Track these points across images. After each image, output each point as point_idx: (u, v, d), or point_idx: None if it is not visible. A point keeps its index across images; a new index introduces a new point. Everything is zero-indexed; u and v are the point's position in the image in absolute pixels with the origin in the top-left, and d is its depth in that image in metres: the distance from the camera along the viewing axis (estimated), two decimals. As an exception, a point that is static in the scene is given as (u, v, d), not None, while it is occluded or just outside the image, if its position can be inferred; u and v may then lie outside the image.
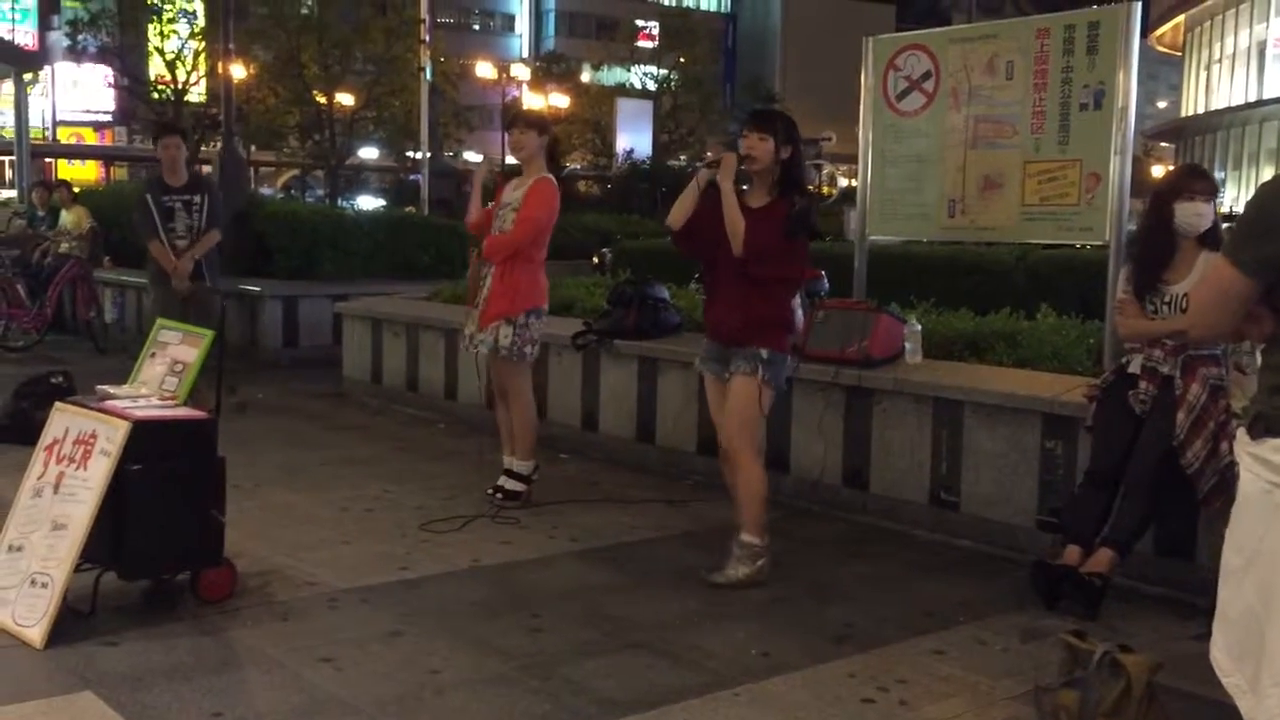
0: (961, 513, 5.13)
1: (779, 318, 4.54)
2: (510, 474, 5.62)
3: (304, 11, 34.94)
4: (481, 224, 5.63)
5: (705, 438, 6.18)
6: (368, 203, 32.57)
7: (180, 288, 7.23)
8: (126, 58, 36.28)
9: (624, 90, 45.51)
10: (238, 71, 18.07)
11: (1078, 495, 4.47)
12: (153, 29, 35.09)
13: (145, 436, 3.87)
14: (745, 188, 4.59)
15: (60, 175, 37.79)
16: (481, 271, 5.59)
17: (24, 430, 6.02)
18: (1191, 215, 4.28)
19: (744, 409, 4.49)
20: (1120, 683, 2.97)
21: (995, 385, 5.07)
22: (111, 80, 38.84)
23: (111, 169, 45.58)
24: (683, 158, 45.38)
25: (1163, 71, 59.99)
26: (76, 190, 13.27)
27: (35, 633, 3.68)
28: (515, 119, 5.69)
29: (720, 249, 4.46)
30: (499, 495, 5.57)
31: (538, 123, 5.66)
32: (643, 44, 49.50)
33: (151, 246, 7.29)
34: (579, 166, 39.79)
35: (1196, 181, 4.36)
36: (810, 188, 4.59)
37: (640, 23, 51.54)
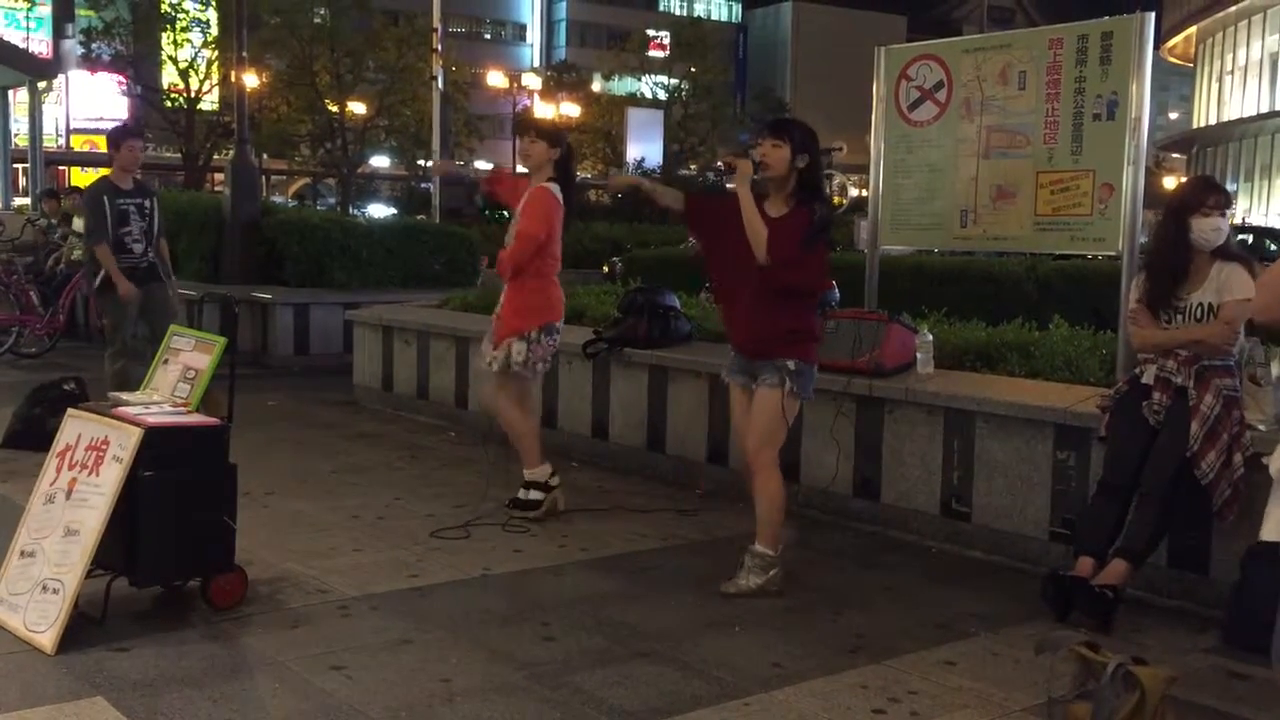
0: (973, 523, 5.11)
1: (803, 328, 4.47)
2: (526, 483, 5.54)
3: (316, 21, 35.14)
4: (504, 185, 5.69)
5: (715, 446, 6.17)
6: (379, 211, 32.66)
7: (130, 298, 7.18)
8: (140, 66, 36.56)
9: (635, 100, 45.68)
10: (250, 80, 18.15)
11: (1090, 506, 4.45)
12: (166, 38, 35.37)
13: (158, 443, 3.88)
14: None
15: (74, 182, 38.00)
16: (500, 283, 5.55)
17: (37, 436, 6.05)
18: (1210, 230, 4.27)
19: (768, 422, 4.44)
20: (1134, 695, 2.95)
21: (1007, 395, 5.05)
22: (125, 88, 39.04)
23: (124, 177, 45.77)
24: (693, 167, 45.46)
25: (1174, 83, 59.94)
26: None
27: (47, 638, 3.69)
28: (526, 126, 5.61)
29: (738, 258, 4.41)
30: (511, 506, 5.52)
31: (549, 133, 5.54)
32: (654, 54, 49.62)
33: (100, 250, 7.14)
34: (590, 175, 39.86)
35: (1211, 195, 4.34)
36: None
37: (651, 32, 51.65)
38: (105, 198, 7.22)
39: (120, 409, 4.09)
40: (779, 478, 4.54)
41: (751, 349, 4.50)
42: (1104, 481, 4.40)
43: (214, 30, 35.68)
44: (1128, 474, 4.30)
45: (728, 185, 4.51)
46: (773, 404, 4.42)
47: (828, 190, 4.67)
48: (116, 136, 7.51)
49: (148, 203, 7.38)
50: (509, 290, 5.43)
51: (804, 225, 4.34)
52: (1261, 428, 4.18)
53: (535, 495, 5.49)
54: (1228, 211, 4.37)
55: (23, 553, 3.96)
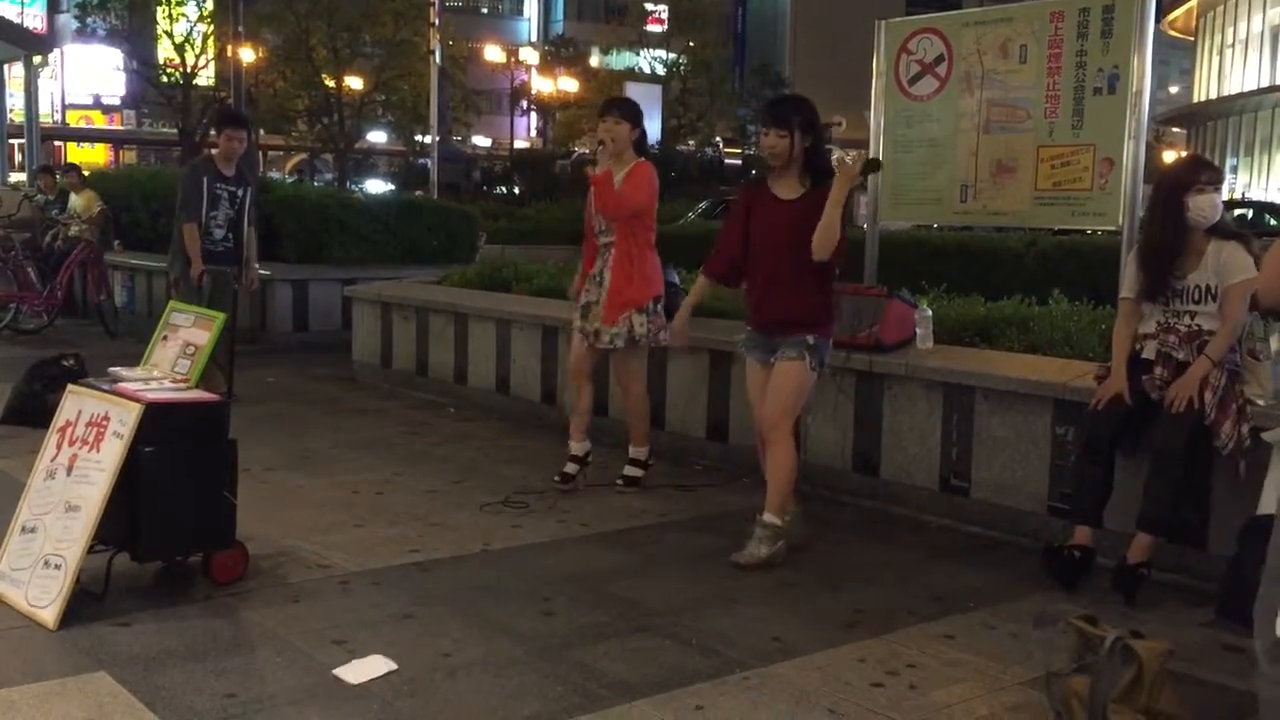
0: (972, 498, 5.12)
1: (827, 304, 4.66)
2: (631, 461, 5.69)
3: (313, -5, 34.80)
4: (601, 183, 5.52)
5: (715, 423, 6.19)
6: (376, 187, 32.54)
7: (195, 274, 7.19)
8: (135, 41, 36.27)
9: (633, 74, 45.40)
10: (246, 55, 18.05)
11: (1078, 476, 4.46)
12: (161, 12, 35.09)
13: (158, 419, 3.88)
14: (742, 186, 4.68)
15: (70, 159, 37.87)
16: (595, 267, 5.52)
17: (36, 413, 6.06)
18: (1207, 207, 4.25)
19: (787, 394, 4.59)
20: (1131, 668, 2.97)
21: (1006, 371, 5.06)
22: (120, 64, 38.81)
23: (121, 152, 45.64)
24: (691, 142, 45.28)
25: (1175, 56, 59.60)
26: (86, 174, 13.28)
27: (49, 614, 3.70)
28: (610, 106, 5.54)
29: (753, 243, 4.63)
30: (619, 482, 5.63)
31: (633, 114, 5.51)
32: (652, 28, 49.32)
33: (188, 229, 7.19)
34: (587, 151, 39.69)
35: (1204, 171, 4.32)
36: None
37: (649, 6, 51.32)
38: (205, 179, 7.26)
39: (120, 385, 4.09)
40: (793, 449, 4.68)
41: (778, 327, 4.63)
42: (1086, 441, 4.41)
43: (209, 4, 35.40)
44: (1108, 432, 4.31)
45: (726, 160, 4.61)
46: (793, 376, 4.57)
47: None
48: (217, 123, 7.69)
49: (240, 192, 7.39)
50: (621, 265, 5.43)
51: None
52: (1260, 403, 4.18)
53: (638, 472, 5.68)
54: (1221, 187, 4.36)
55: (24, 528, 3.97)
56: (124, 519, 3.88)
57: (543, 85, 44.82)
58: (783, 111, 4.64)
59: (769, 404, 4.62)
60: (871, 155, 6.06)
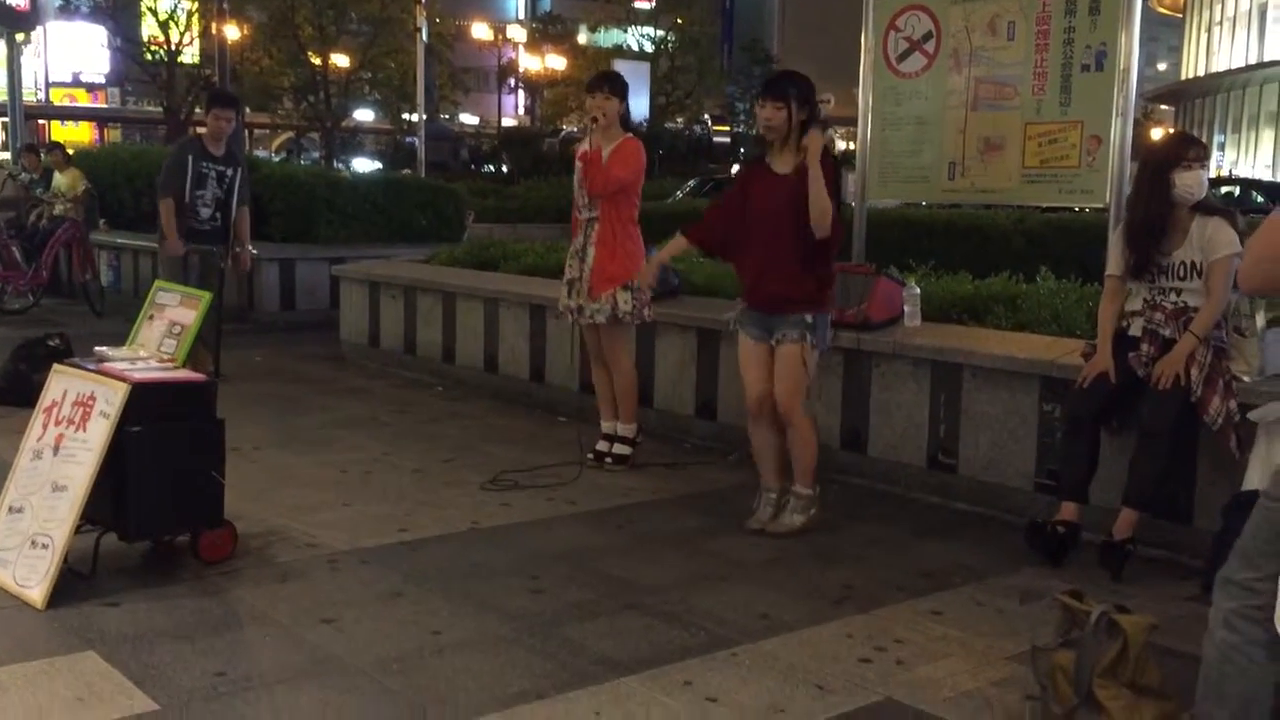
0: (960, 475, 5.14)
1: (828, 279, 4.69)
2: (619, 439, 5.69)
3: (298, -29, 34.52)
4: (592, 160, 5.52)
5: (704, 400, 6.19)
6: (363, 165, 32.36)
7: (173, 252, 7.17)
8: (119, 18, 35.95)
9: (621, 52, 45.19)
10: (231, 32, 17.90)
11: (1063, 451, 4.48)
12: (145, -12, 34.77)
13: (144, 398, 3.87)
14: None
15: (54, 137, 37.47)
16: (576, 243, 5.55)
17: (22, 392, 6.03)
18: (1194, 184, 4.25)
19: (794, 375, 4.63)
20: (1117, 643, 2.98)
21: (994, 348, 5.07)
22: (104, 41, 38.50)
23: (105, 130, 45.31)
24: (679, 120, 45.12)
25: (1163, 33, 59.58)
26: (71, 152, 13.18)
27: (36, 593, 3.69)
28: (600, 82, 5.57)
29: (748, 222, 4.64)
30: (608, 460, 5.62)
31: (622, 89, 5.57)
32: (640, 5, 49.05)
33: (163, 203, 7.17)
34: (575, 129, 39.52)
35: (1191, 148, 4.33)
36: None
37: (638, -17, 51.00)
38: (190, 157, 7.24)
39: (106, 365, 4.08)
40: (809, 423, 4.75)
41: (775, 307, 4.65)
42: (1071, 417, 4.43)
43: (194, -19, 35.08)
44: (1093, 408, 4.34)
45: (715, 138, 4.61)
46: (797, 358, 4.62)
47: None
48: (207, 103, 7.68)
49: (230, 171, 7.33)
50: (605, 242, 5.45)
51: (827, 180, 4.51)
52: (1246, 379, 4.20)
53: (626, 450, 5.66)
54: (1207, 164, 4.36)
55: (10, 508, 3.96)
56: (111, 498, 3.87)
57: (530, 63, 44.58)
58: (779, 84, 4.70)
59: (779, 388, 4.64)
60: (860, 133, 6.07)
